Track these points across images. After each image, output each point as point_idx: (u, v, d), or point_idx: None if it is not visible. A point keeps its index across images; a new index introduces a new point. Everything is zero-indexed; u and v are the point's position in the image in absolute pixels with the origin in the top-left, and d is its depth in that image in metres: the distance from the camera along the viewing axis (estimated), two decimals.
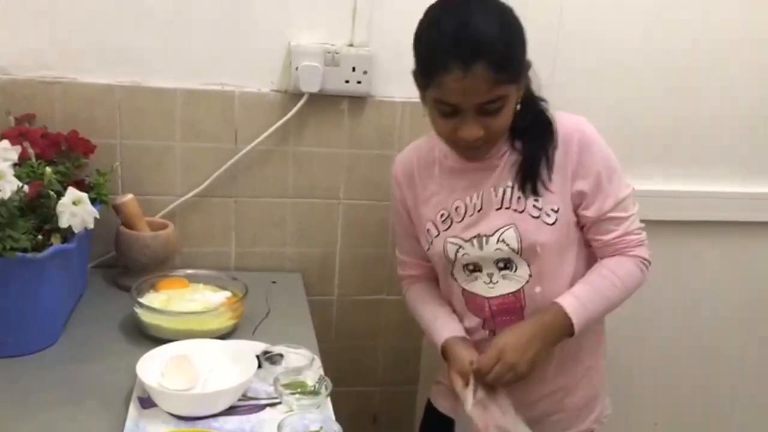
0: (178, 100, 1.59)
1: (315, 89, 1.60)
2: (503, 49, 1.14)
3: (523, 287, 1.30)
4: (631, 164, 1.39)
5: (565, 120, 1.28)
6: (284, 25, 1.59)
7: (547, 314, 1.27)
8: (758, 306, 2.05)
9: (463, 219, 1.32)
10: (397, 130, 1.69)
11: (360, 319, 1.82)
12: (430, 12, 1.20)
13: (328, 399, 1.15)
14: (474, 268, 1.32)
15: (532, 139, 1.27)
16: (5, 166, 1.19)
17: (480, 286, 1.32)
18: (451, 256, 1.33)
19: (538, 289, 1.29)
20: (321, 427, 1.06)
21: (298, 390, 1.15)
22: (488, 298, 1.32)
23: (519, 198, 1.27)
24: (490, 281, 1.31)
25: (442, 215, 1.34)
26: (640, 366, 2.03)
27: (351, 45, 1.62)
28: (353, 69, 1.61)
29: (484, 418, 1.23)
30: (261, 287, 1.57)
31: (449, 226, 1.33)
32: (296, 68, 1.59)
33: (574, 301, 1.26)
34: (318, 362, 1.25)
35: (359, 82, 1.63)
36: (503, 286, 1.31)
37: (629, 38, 1.77)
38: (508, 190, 1.28)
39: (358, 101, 1.66)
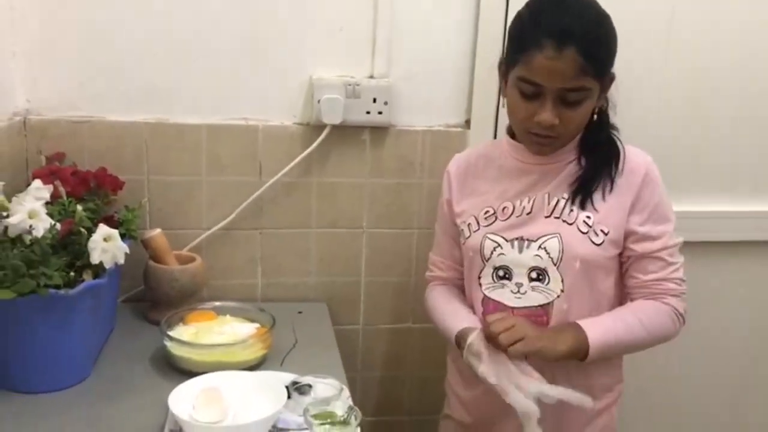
0: (202, 136, 1.62)
1: (337, 121, 1.62)
2: (596, 41, 1.19)
3: (552, 302, 1.28)
4: None
5: (635, 153, 1.32)
6: (305, 59, 1.62)
7: (569, 333, 1.25)
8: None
9: (508, 218, 1.32)
10: (419, 159, 1.71)
11: (386, 348, 1.82)
12: (531, 3, 1.26)
13: (358, 429, 1.15)
14: (504, 274, 1.32)
15: (599, 158, 1.30)
16: (38, 205, 1.22)
17: (506, 295, 1.31)
18: (487, 253, 1.32)
19: (565, 306, 1.28)
20: None
21: (328, 420, 1.15)
22: (513, 308, 1.31)
23: (571, 211, 1.28)
24: (518, 291, 1.30)
25: (486, 212, 1.34)
26: (645, 398, 1.99)
27: (371, 77, 1.64)
28: (374, 100, 1.64)
29: (496, 371, 1.21)
30: (287, 317, 1.58)
31: (492, 223, 1.33)
32: (318, 101, 1.61)
33: (599, 334, 1.24)
34: (347, 392, 1.25)
35: (380, 113, 1.65)
36: (532, 297, 1.29)
37: (648, 53, 1.75)
38: (562, 201, 1.29)
39: (379, 131, 1.68)
